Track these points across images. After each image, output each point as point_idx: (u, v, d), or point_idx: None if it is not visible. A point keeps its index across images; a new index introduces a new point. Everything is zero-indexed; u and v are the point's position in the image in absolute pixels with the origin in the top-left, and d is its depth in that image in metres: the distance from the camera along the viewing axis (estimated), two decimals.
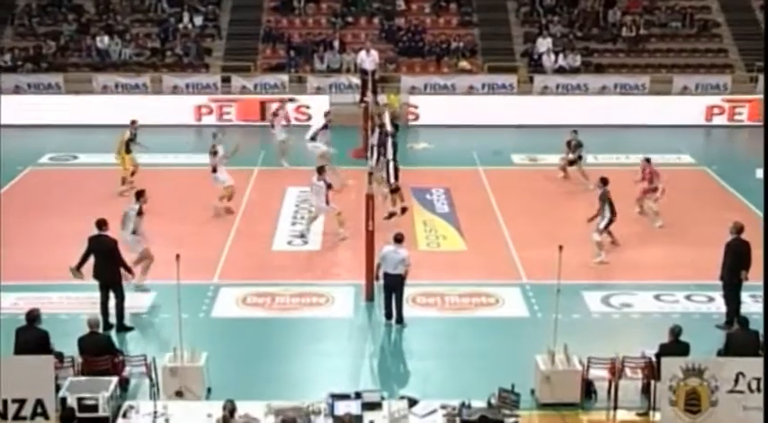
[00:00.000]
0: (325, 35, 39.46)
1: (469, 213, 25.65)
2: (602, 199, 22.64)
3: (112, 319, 19.11)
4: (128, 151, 27.73)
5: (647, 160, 25.56)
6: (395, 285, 19.08)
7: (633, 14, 40.01)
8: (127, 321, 19.12)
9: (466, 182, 28.26)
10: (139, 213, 20.93)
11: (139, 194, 21.52)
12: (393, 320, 19.34)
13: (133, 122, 28.27)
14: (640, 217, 24.95)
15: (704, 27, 39.79)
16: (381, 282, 19.31)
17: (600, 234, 22.61)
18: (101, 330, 16.84)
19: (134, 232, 20.78)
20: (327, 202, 23.59)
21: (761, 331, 16.68)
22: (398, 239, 19.14)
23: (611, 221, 22.62)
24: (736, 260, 18.96)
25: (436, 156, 28.52)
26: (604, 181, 22.94)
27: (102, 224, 19.39)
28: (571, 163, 27.96)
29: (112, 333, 18.59)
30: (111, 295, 19.13)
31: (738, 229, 19.28)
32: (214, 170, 25.80)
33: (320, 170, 23.91)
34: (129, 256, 20.10)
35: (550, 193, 25.47)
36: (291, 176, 28.61)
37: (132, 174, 27.60)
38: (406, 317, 19.72)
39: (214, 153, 25.82)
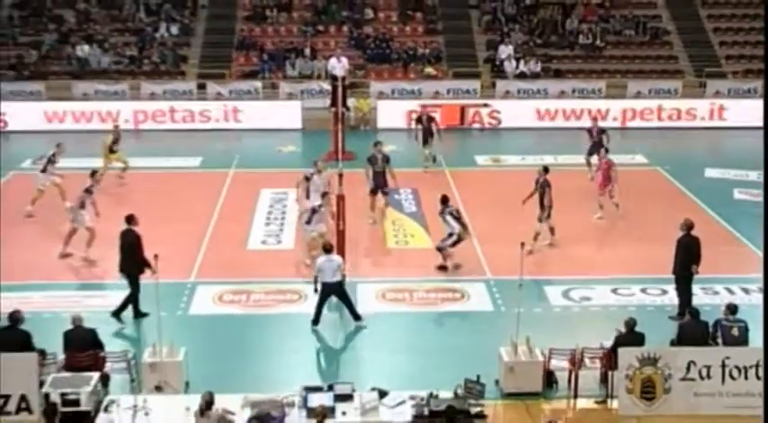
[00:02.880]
0: (296, 43, 39.41)
1: (436, 213, 25.54)
2: (542, 186, 22.62)
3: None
4: (112, 152, 27.85)
5: (606, 151, 25.83)
6: (336, 291, 18.89)
7: (589, 23, 40.18)
8: (107, 322, 18.76)
9: (432, 183, 28.22)
10: (88, 190, 22.43)
11: (93, 173, 23.24)
12: (318, 325, 18.99)
13: (116, 126, 28.04)
14: (587, 213, 24.79)
15: (656, 35, 40.03)
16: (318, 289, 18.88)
17: (541, 225, 22.64)
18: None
19: (82, 207, 22.28)
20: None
21: (710, 322, 16.86)
22: (328, 249, 18.97)
23: (549, 211, 22.62)
24: (686, 255, 19.06)
25: (404, 158, 28.54)
26: (545, 169, 23.03)
27: (129, 219, 19.54)
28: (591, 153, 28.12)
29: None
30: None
31: (688, 226, 19.35)
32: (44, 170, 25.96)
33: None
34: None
35: (513, 193, 25.39)
36: (265, 179, 28.57)
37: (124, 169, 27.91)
38: (377, 312, 19.73)
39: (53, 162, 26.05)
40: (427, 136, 29.85)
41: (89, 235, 22.30)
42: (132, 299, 19.20)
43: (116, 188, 27.45)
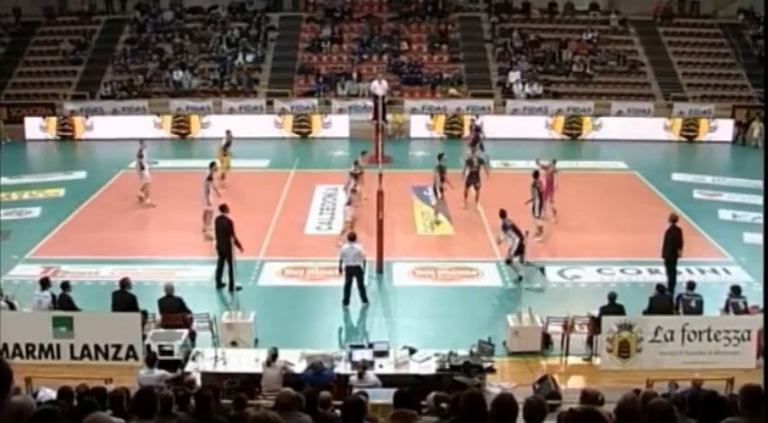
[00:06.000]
0: (345, 68, 39.37)
1: (457, 206, 25.47)
2: (534, 187, 22.43)
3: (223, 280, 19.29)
4: (225, 154, 27.20)
5: (554, 161, 24.06)
6: (356, 274, 18.30)
7: (581, 55, 39.82)
8: (194, 289, 18.85)
9: (454, 181, 28.02)
10: (209, 178, 22.41)
11: (211, 165, 23.37)
12: (349, 305, 18.47)
13: (228, 131, 27.89)
14: (578, 208, 24.49)
15: (633, 66, 39.70)
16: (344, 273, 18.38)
17: (538, 220, 22.38)
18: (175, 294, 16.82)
19: (207, 193, 22.19)
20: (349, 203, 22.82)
21: (674, 296, 17.04)
22: (352, 238, 18.52)
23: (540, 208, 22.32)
24: (673, 243, 19.04)
25: (431, 161, 28.41)
26: (536, 174, 22.69)
27: (223, 208, 19.54)
28: (469, 183, 25.05)
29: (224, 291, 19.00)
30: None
31: (674, 219, 19.46)
32: (142, 167, 25.48)
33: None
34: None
35: (519, 191, 25.32)
36: (319, 177, 28.58)
37: (222, 177, 26.46)
38: (408, 285, 19.72)
39: (140, 156, 25.60)
40: (475, 141, 28.92)
41: (207, 217, 22.12)
42: (229, 271, 18.89)
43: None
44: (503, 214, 20.06)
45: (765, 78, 28.94)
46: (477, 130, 29.77)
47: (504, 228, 19.71)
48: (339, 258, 18.46)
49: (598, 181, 28.54)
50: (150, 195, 25.51)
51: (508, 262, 20.01)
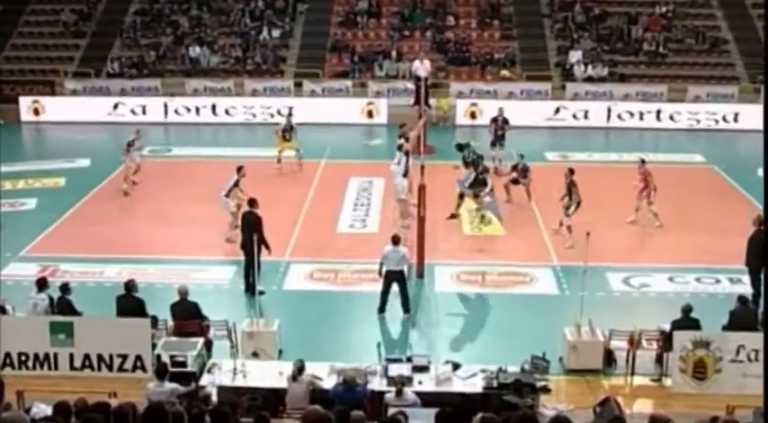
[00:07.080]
0: (384, 46, 39.38)
1: (509, 205, 25.35)
2: (568, 186, 22.28)
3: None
4: (286, 139, 28.53)
5: (643, 161, 23.86)
6: (397, 279, 18.29)
7: (653, 32, 39.55)
8: (211, 293, 18.99)
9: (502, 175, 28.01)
10: (236, 184, 22.26)
11: (239, 169, 22.88)
12: (385, 314, 18.48)
13: (290, 114, 28.65)
14: (653, 208, 24.23)
15: (714, 44, 39.31)
16: (382, 278, 18.39)
17: (568, 218, 22.22)
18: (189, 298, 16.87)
19: (227, 196, 22.10)
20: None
21: (759, 309, 16.68)
22: (396, 241, 18.42)
23: (577, 206, 22.19)
24: (759, 248, 18.61)
25: (481, 152, 28.29)
26: (571, 171, 22.55)
27: (251, 203, 19.61)
28: (515, 181, 25.73)
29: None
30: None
31: (760, 221, 19.02)
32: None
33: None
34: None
35: (579, 186, 25.16)
36: (353, 169, 28.57)
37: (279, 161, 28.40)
38: (452, 292, 19.64)
39: (130, 145, 26.48)
40: (497, 139, 28.86)
41: (232, 219, 22.17)
42: (252, 273, 18.78)
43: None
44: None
45: (765, 76, 28.64)
46: (504, 122, 29.13)
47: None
48: (380, 261, 18.41)
49: (671, 176, 28.13)
50: (127, 181, 26.27)
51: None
